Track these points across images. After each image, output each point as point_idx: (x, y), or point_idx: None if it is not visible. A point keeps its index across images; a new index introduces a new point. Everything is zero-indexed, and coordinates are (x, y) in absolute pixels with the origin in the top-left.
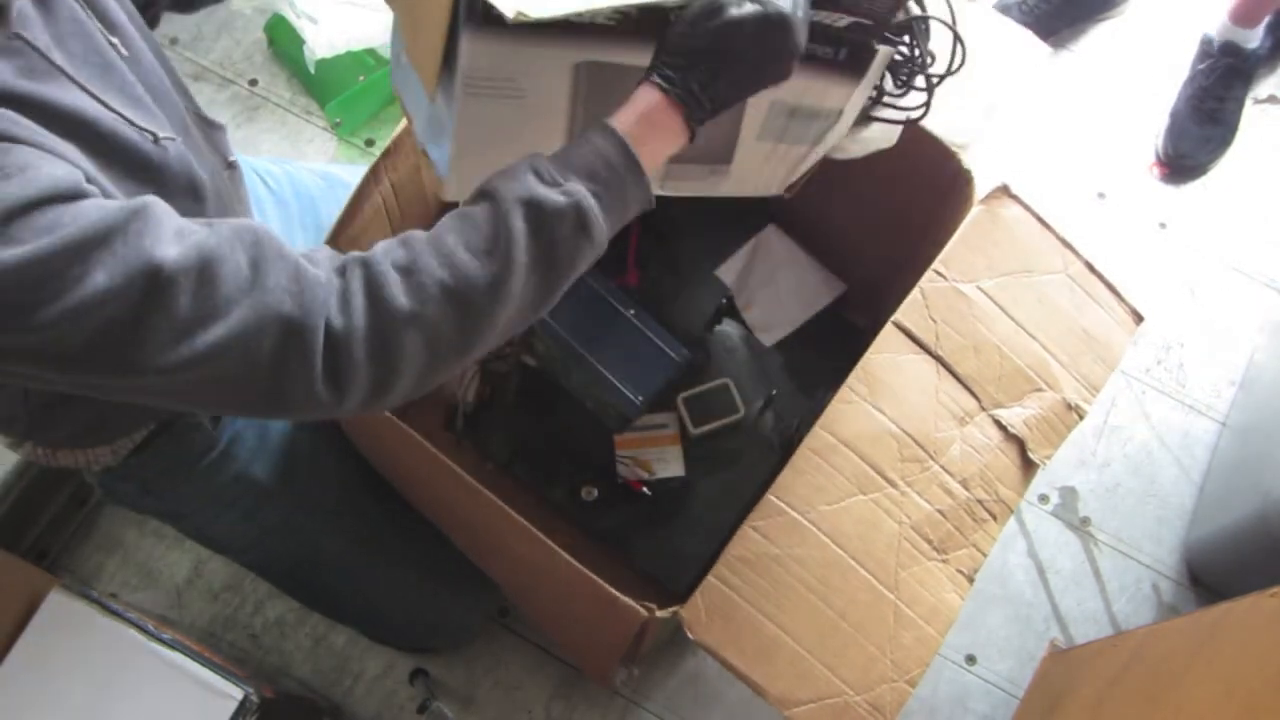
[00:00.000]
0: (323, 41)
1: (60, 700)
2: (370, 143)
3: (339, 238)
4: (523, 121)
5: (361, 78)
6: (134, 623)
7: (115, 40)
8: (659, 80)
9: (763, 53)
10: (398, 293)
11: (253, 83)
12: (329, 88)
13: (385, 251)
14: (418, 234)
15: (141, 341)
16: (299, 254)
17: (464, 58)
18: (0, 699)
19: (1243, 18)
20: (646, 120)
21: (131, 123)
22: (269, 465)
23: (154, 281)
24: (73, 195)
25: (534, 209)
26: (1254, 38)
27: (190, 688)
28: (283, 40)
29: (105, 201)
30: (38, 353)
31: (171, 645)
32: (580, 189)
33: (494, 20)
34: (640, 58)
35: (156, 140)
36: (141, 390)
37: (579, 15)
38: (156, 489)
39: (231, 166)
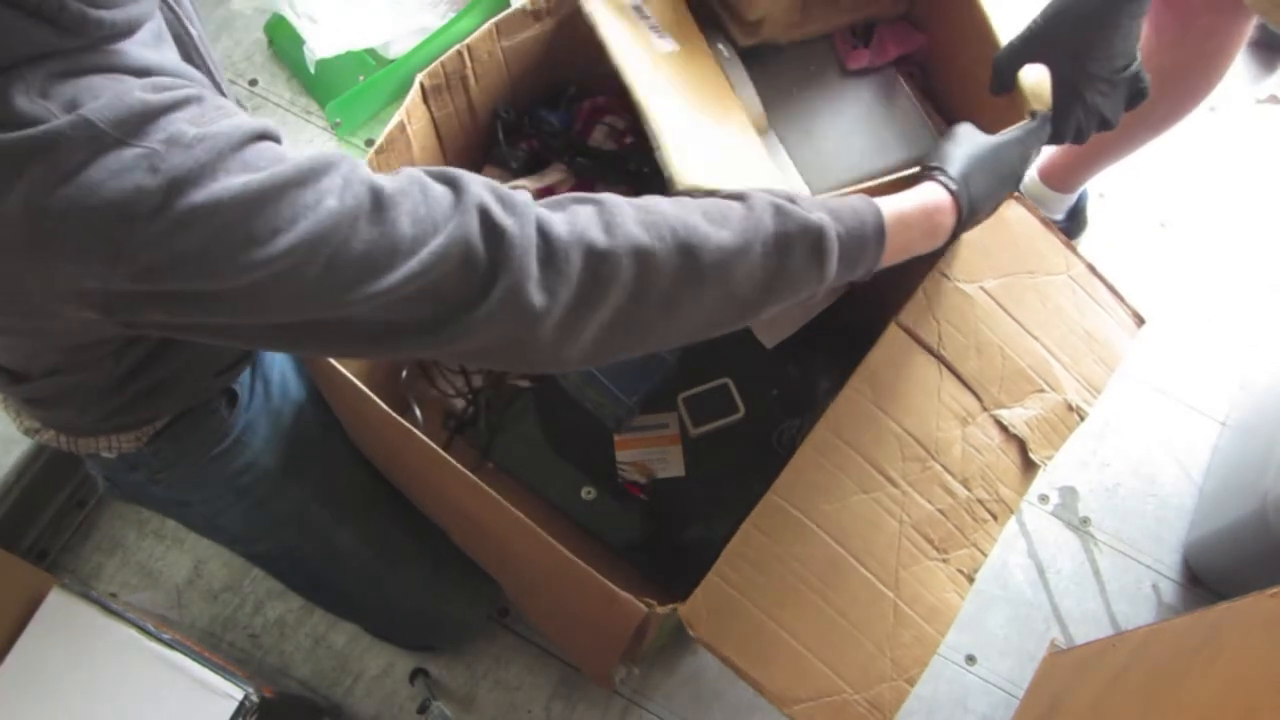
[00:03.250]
0: (323, 41)
1: (60, 700)
2: (370, 143)
3: None
4: None
5: (361, 78)
6: (134, 623)
7: (184, 19)
8: (944, 181)
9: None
10: (631, 223)
11: (253, 83)
12: (329, 88)
13: (618, 197)
14: (657, 197)
15: (371, 262)
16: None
17: None
18: (0, 699)
19: None
20: (924, 210)
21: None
22: (283, 454)
23: (378, 201)
24: (275, 138)
25: (783, 215)
26: None
27: (190, 688)
28: (283, 40)
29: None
30: (270, 289)
31: (171, 645)
32: (829, 221)
33: None
34: None
35: None
36: (348, 323)
37: None
38: (167, 478)
39: None
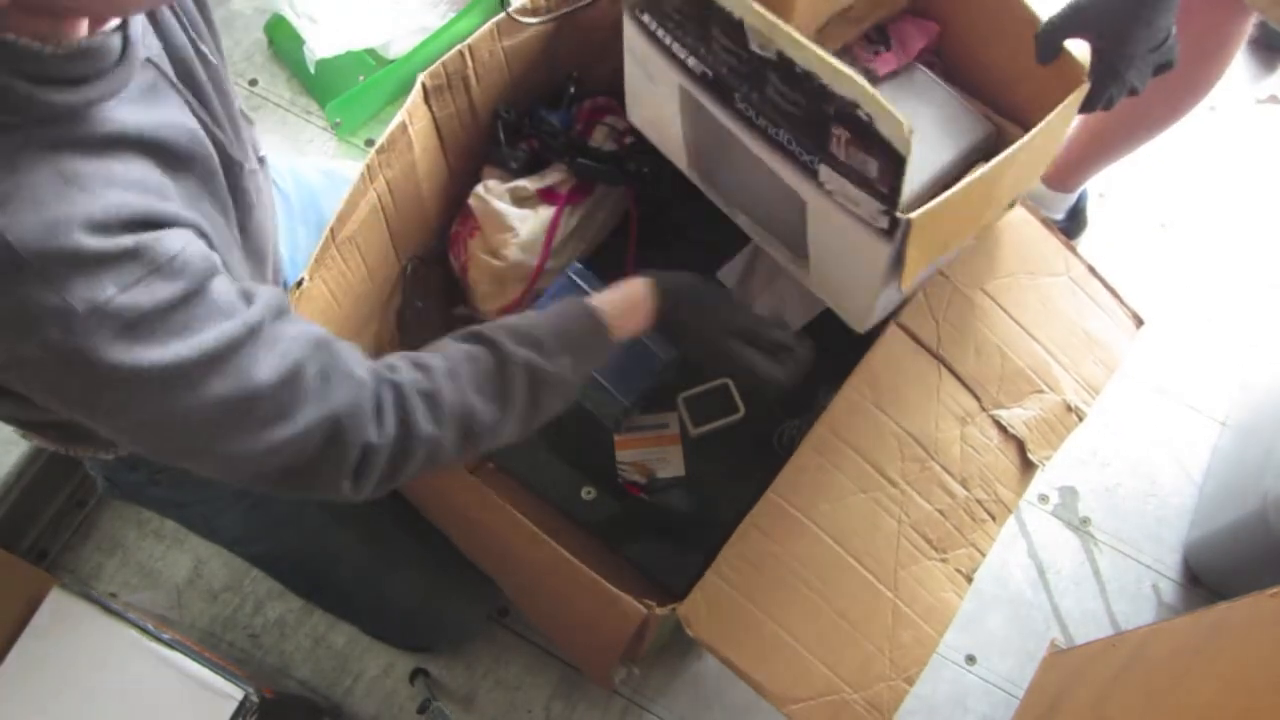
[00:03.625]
0: (323, 41)
1: (60, 700)
2: (370, 143)
3: (337, 235)
4: (656, 100)
5: (361, 78)
6: (134, 623)
7: (205, 48)
8: (658, 292)
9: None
10: (421, 418)
11: (253, 83)
12: (329, 88)
13: (412, 378)
14: (436, 363)
15: (224, 440)
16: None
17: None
18: (0, 699)
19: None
20: (630, 306)
21: (225, 149)
22: None
23: (252, 400)
24: (208, 277)
25: (534, 377)
26: None
27: (190, 688)
28: (283, 40)
29: (231, 307)
30: (130, 434)
31: (171, 645)
32: (569, 366)
33: (637, 17)
34: (718, 114)
35: (243, 170)
36: (194, 466)
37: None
38: (166, 478)
39: (262, 161)
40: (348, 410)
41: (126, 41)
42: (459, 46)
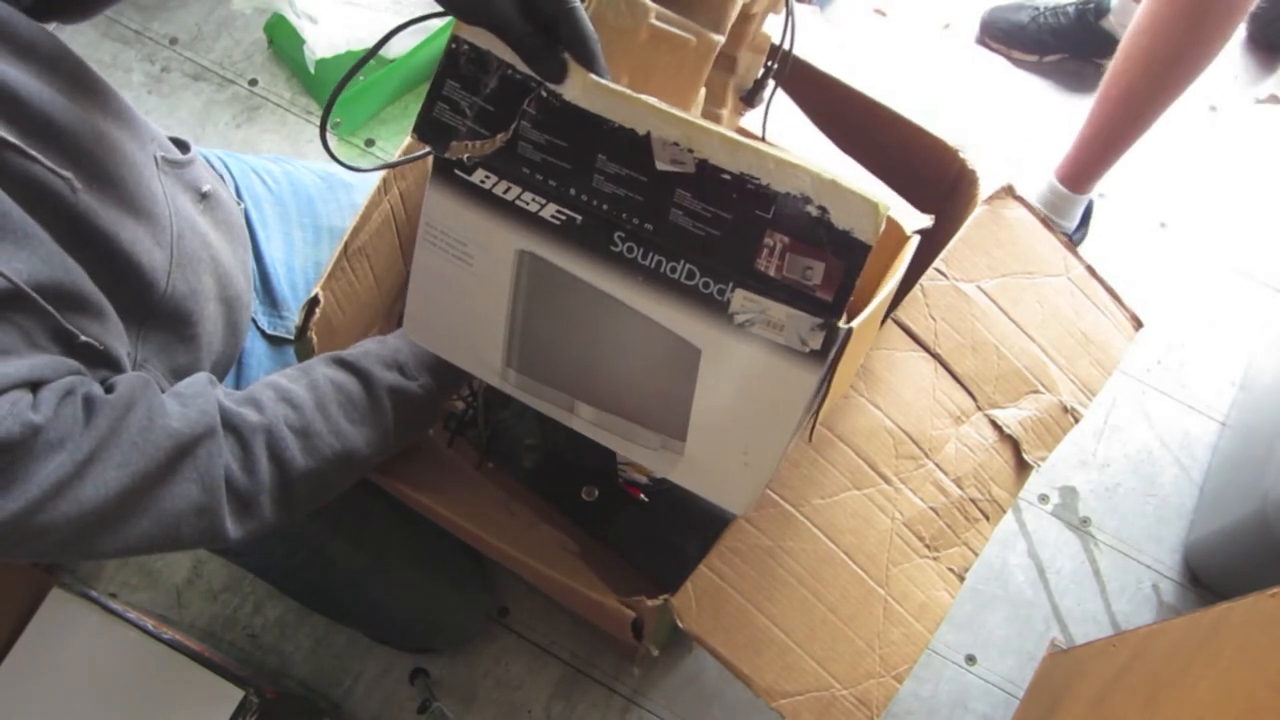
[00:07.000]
0: (323, 41)
1: (60, 700)
2: (370, 143)
3: (350, 246)
4: (468, 290)
5: (362, 77)
6: (134, 623)
7: (68, 175)
8: None
9: None
10: (296, 454)
11: (253, 83)
12: (329, 88)
13: (281, 414)
14: (304, 396)
15: (90, 546)
16: (188, 426)
17: (425, 204)
18: (0, 699)
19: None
20: None
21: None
22: None
23: (102, 512)
24: (28, 435)
25: (399, 397)
26: None
27: (190, 688)
28: (283, 40)
29: (62, 439)
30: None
31: (171, 645)
32: (430, 384)
33: (460, 179)
34: (579, 269)
35: (142, 260)
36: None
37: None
38: None
39: (206, 197)
40: (201, 485)
41: None
42: None
